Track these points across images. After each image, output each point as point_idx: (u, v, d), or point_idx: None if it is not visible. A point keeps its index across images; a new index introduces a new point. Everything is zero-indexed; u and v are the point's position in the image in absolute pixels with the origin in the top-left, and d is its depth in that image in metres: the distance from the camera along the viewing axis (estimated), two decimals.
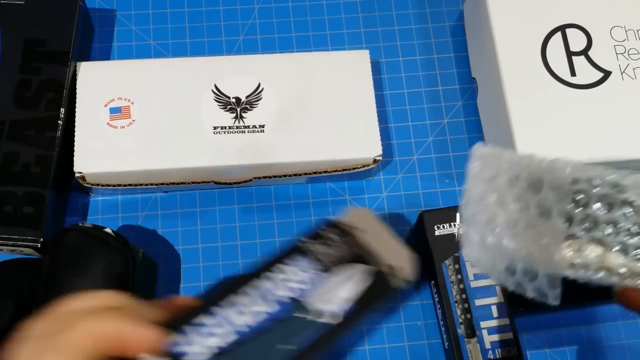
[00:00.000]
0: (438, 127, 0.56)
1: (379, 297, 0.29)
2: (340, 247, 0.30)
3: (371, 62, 0.53)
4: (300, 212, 0.53)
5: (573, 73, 0.50)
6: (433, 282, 0.49)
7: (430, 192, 0.54)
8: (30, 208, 0.47)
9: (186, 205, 0.53)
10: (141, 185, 0.51)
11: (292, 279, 0.28)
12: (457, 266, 0.47)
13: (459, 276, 0.47)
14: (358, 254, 0.30)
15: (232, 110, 0.50)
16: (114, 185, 0.50)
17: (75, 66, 0.51)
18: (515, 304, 0.46)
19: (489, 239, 0.29)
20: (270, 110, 0.51)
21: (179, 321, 0.26)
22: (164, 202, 0.53)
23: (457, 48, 0.59)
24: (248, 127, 0.50)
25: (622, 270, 0.27)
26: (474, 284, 0.47)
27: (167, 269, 0.51)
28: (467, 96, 0.57)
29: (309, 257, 0.29)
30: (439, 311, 0.49)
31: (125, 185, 0.50)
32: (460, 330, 0.46)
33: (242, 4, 0.59)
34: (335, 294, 0.28)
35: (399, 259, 0.30)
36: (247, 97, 0.51)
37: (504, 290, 0.46)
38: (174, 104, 0.50)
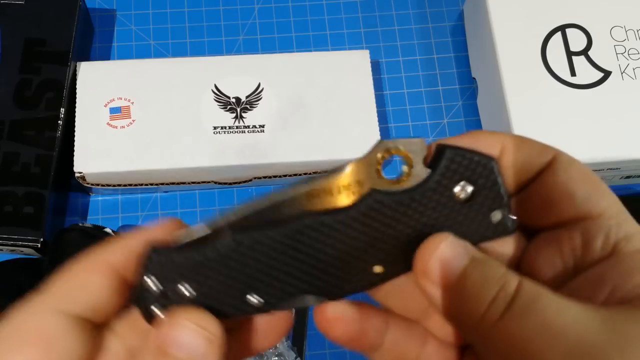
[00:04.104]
0: (438, 127, 0.56)
1: None
2: None
3: (371, 62, 0.53)
4: None
5: (573, 73, 0.50)
6: None
7: None
8: (30, 208, 0.47)
9: (186, 205, 0.53)
10: (141, 185, 0.51)
11: None
12: None
13: None
14: None
15: (232, 110, 0.50)
16: (114, 185, 0.50)
17: (75, 66, 0.51)
18: None
19: None
20: (270, 110, 0.51)
21: None
22: (164, 202, 0.53)
23: (457, 48, 0.59)
24: (248, 127, 0.50)
25: None
26: None
27: None
28: (467, 96, 0.57)
29: None
30: None
31: (125, 185, 0.50)
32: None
33: (242, 4, 0.59)
34: None
35: None
36: (247, 97, 0.51)
37: None
38: (174, 104, 0.50)
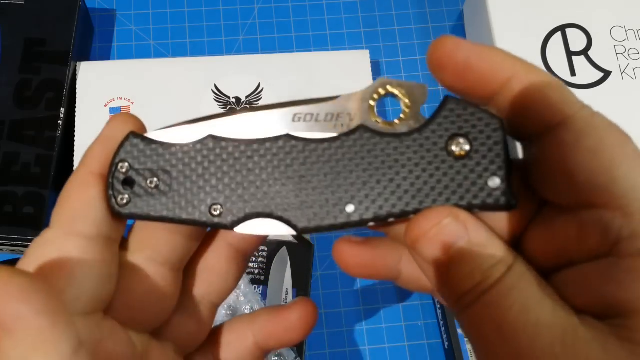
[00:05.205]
0: None
1: None
2: None
3: (371, 62, 0.53)
4: None
5: (573, 73, 0.50)
6: None
7: None
8: (30, 208, 0.47)
9: None
10: None
11: None
12: None
13: None
14: None
15: (232, 110, 0.50)
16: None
17: (75, 66, 0.51)
18: None
19: None
20: None
21: None
22: None
23: None
24: None
25: None
26: None
27: None
28: None
29: None
30: (439, 311, 0.49)
31: None
32: (460, 330, 0.46)
33: (242, 4, 0.59)
34: None
35: None
36: (247, 97, 0.51)
37: None
38: (174, 104, 0.50)
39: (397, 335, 0.50)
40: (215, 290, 0.25)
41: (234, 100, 0.51)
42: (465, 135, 0.21)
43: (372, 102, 0.22)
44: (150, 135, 0.22)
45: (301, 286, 0.48)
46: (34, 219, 0.47)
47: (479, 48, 0.20)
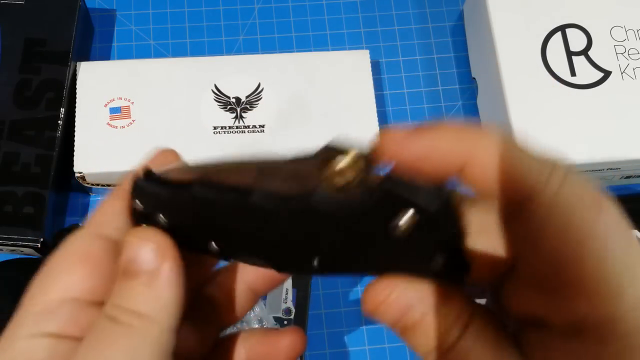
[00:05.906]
0: None
1: None
2: None
3: (371, 62, 0.53)
4: None
5: (573, 73, 0.50)
6: None
7: None
8: (30, 208, 0.47)
9: None
10: None
11: None
12: None
13: None
14: None
15: (232, 110, 0.50)
16: (114, 185, 0.50)
17: (75, 66, 0.51)
18: None
19: None
20: (270, 110, 0.51)
21: None
22: None
23: (457, 48, 0.59)
24: (248, 127, 0.50)
25: None
26: None
27: None
28: (467, 96, 0.57)
29: None
30: None
31: None
32: None
33: (242, 4, 0.59)
34: None
35: None
36: (247, 97, 0.51)
37: None
38: (174, 104, 0.50)
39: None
40: (223, 319, 0.27)
41: (234, 100, 0.51)
42: (414, 209, 0.19)
43: (324, 167, 0.21)
44: (156, 174, 0.24)
45: (301, 286, 0.48)
46: (34, 219, 0.47)
47: (436, 132, 0.20)
